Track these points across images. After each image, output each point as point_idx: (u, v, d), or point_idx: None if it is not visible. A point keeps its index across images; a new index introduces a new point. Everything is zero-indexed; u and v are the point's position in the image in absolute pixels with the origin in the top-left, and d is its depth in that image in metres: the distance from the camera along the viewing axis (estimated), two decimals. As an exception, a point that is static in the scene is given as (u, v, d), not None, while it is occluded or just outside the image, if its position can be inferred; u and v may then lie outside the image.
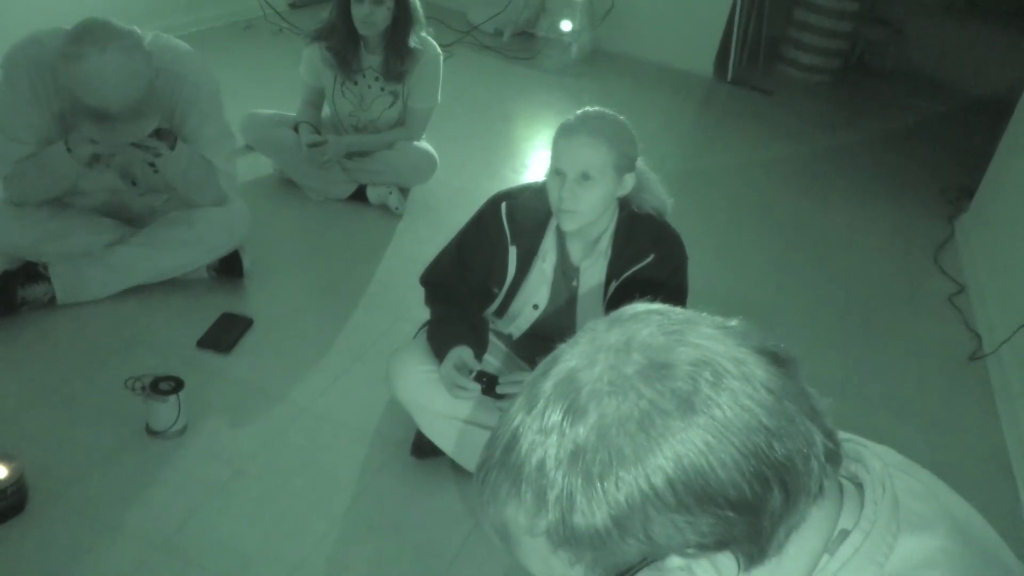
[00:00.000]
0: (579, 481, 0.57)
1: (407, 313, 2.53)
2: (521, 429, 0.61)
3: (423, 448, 1.99)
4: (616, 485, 0.56)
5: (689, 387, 0.57)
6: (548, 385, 0.62)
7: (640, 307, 0.67)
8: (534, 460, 0.59)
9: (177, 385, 1.94)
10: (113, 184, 2.48)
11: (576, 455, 0.57)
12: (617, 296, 1.84)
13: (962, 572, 0.60)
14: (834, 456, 0.63)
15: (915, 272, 3.52)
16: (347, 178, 3.33)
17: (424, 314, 2.02)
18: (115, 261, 2.40)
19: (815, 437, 0.60)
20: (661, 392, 0.57)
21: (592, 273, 1.86)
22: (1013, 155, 3.61)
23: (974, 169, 4.04)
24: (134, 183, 2.51)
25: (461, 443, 1.91)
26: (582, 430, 0.57)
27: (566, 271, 1.88)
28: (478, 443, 1.89)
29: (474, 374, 1.79)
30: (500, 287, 1.90)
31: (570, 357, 0.64)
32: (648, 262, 1.80)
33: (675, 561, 0.59)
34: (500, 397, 1.77)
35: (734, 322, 0.64)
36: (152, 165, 2.39)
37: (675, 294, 1.82)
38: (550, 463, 0.58)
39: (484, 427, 1.89)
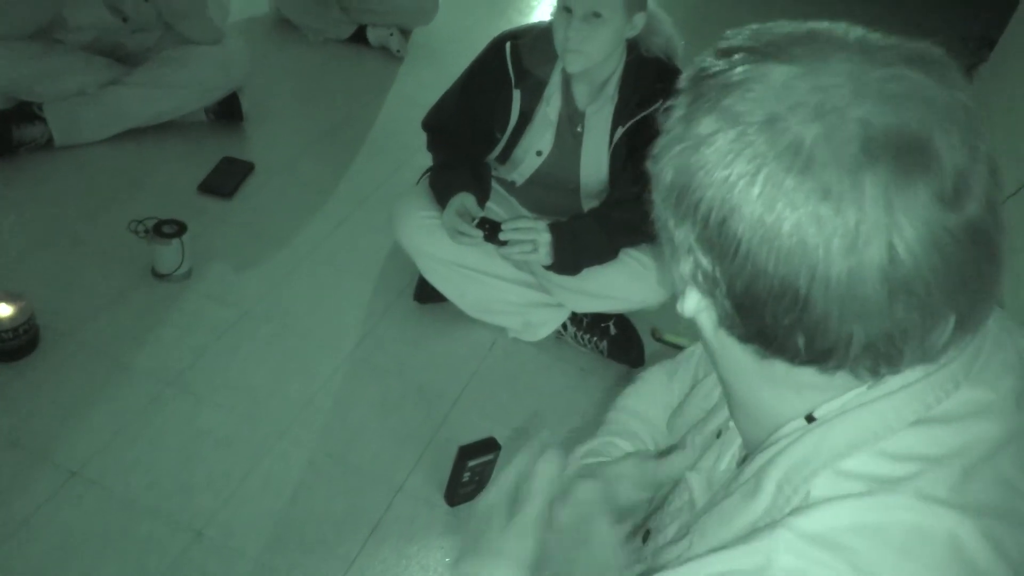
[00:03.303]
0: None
1: (409, 159, 2.50)
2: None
3: (426, 293, 2.02)
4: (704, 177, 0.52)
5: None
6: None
7: None
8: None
9: (180, 228, 1.95)
10: (103, 20, 2.40)
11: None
12: (623, 143, 1.80)
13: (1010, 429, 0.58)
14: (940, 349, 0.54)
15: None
16: (347, 18, 3.22)
17: (426, 159, 1.99)
18: (111, 101, 2.35)
19: (934, 325, 0.52)
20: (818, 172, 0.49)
21: (598, 119, 1.82)
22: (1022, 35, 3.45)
23: (999, 18, 3.87)
24: (125, 20, 2.42)
25: (463, 289, 1.93)
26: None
27: (571, 116, 1.84)
28: (480, 289, 1.91)
29: (476, 220, 1.79)
30: (503, 132, 1.87)
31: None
32: (656, 108, 1.76)
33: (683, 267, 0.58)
34: (502, 243, 1.77)
35: None
36: None
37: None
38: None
39: (486, 273, 1.90)
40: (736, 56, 0.54)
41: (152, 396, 1.70)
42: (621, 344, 1.96)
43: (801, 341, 0.53)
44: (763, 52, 0.53)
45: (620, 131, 1.80)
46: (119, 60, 2.47)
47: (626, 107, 1.78)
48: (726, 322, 0.58)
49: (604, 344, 1.96)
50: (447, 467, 1.56)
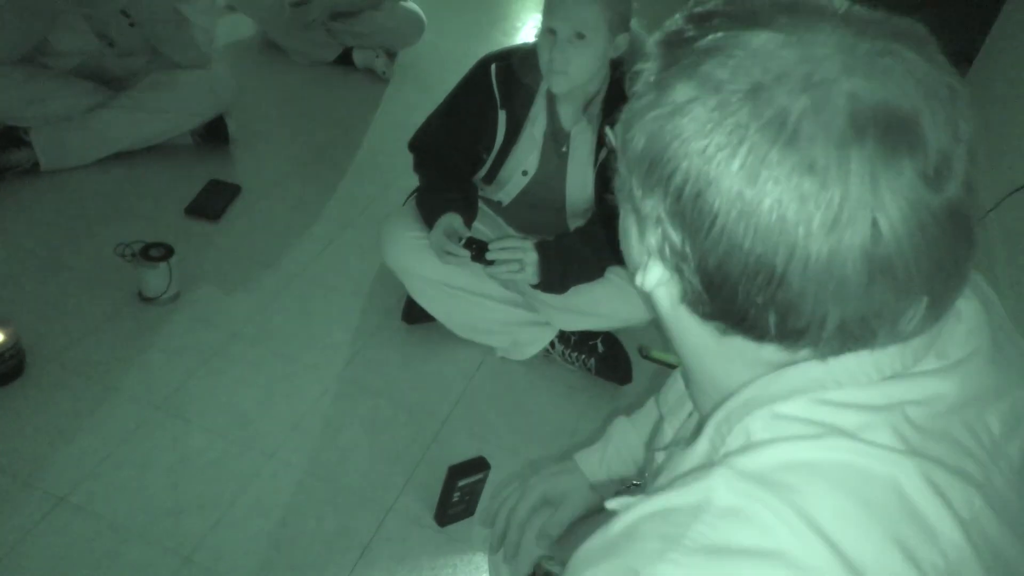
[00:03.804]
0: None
1: (396, 180, 2.51)
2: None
3: (414, 314, 2.02)
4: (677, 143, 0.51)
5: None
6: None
7: None
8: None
9: (167, 252, 1.95)
10: (90, 45, 2.40)
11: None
12: (608, 161, 1.82)
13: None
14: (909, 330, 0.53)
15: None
16: (332, 40, 3.24)
17: (413, 180, 2.00)
18: (97, 125, 2.35)
19: (904, 308, 0.51)
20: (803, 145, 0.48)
21: (583, 138, 1.84)
22: (1014, 23, 3.51)
23: (977, 35, 3.92)
24: (111, 44, 2.43)
25: (451, 308, 1.94)
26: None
27: (556, 136, 1.86)
28: (467, 308, 1.92)
29: (464, 240, 1.80)
30: (489, 152, 1.88)
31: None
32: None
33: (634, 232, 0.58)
34: (489, 263, 1.78)
35: None
36: (127, 16, 2.30)
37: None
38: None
39: (474, 293, 1.91)
40: (714, 20, 0.52)
41: (140, 420, 1.69)
42: (609, 362, 1.97)
43: (772, 320, 0.52)
44: (744, 18, 0.51)
45: (605, 150, 1.81)
46: (105, 84, 2.47)
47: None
48: (690, 299, 0.56)
49: (592, 362, 1.97)
50: (437, 487, 1.56)
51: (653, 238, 0.55)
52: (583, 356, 1.98)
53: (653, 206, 0.54)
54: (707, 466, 0.54)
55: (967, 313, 0.60)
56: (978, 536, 0.52)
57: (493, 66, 1.83)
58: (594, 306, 1.89)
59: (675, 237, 0.53)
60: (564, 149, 1.86)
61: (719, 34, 0.51)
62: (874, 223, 0.47)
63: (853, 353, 0.54)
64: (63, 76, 2.39)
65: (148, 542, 1.46)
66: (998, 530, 0.54)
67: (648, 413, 1.19)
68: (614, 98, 1.79)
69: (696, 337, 0.59)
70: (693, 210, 0.51)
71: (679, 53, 0.52)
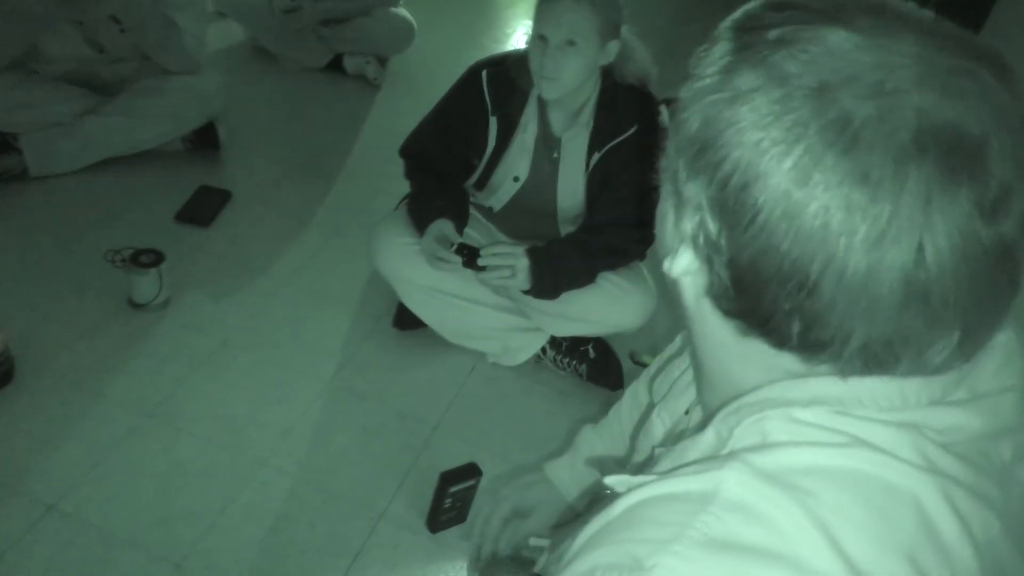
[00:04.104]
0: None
1: (387, 186, 2.51)
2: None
3: (405, 320, 2.02)
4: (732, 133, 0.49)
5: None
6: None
7: None
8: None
9: (158, 258, 1.94)
10: (80, 51, 2.40)
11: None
12: (598, 168, 1.83)
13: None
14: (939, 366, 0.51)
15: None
16: (323, 46, 3.24)
17: (404, 186, 2.00)
18: (87, 131, 2.35)
19: (934, 340, 0.49)
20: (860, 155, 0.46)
21: (574, 145, 1.84)
22: (1008, 18, 3.54)
23: (971, 28, 3.95)
24: (101, 51, 2.43)
25: (442, 314, 1.94)
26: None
27: (547, 142, 1.86)
28: (459, 314, 1.92)
29: (455, 247, 1.80)
30: (480, 159, 1.89)
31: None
32: (631, 134, 1.78)
33: (675, 221, 0.56)
34: (481, 269, 1.78)
35: None
36: (118, 22, 2.30)
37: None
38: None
39: (465, 299, 1.91)
40: (793, 12, 0.50)
41: (130, 427, 1.68)
42: (600, 367, 1.97)
43: (796, 328, 0.50)
44: (825, 13, 0.49)
45: (596, 156, 1.82)
46: (95, 90, 2.47)
47: (601, 133, 1.81)
48: (715, 292, 0.54)
49: (583, 367, 1.98)
50: (429, 493, 1.55)
51: (689, 224, 0.53)
52: (574, 362, 1.98)
53: (696, 191, 0.52)
54: (715, 458, 0.53)
55: (1002, 346, 0.58)
56: (991, 560, 0.51)
57: (484, 72, 1.83)
58: (585, 312, 1.89)
59: (712, 226, 0.51)
60: (555, 155, 1.86)
61: (796, 26, 0.49)
62: (920, 246, 0.45)
63: (877, 377, 0.52)
64: (53, 82, 2.38)
65: (139, 549, 1.45)
66: (1008, 553, 0.53)
67: (611, 424, 1.20)
68: (605, 104, 1.80)
69: (716, 332, 0.57)
70: (736, 202, 0.49)
71: (750, 39, 0.50)
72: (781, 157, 0.47)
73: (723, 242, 0.51)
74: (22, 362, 1.75)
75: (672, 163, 0.55)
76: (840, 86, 0.46)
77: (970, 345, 0.51)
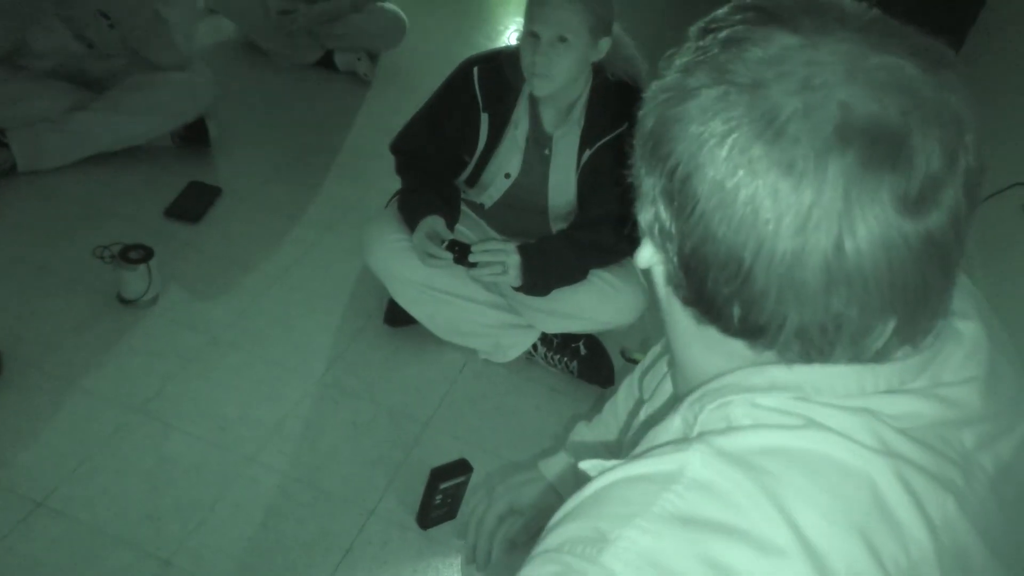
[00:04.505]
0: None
1: (378, 182, 2.50)
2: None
3: (396, 317, 2.02)
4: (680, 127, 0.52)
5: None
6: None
7: None
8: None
9: (147, 254, 1.93)
10: (68, 47, 2.38)
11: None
12: (589, 165, 1.83)
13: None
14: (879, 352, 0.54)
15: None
16: (314, 42, 3.23)
17: (395, 183, 2.00)
18: (75, 127, 2.33)
19: (875, 326, 0.51)
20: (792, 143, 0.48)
21: (565, 141, 1.84)
22: (987, 35, 3.56)
23: (952, 44, 3.97)
24: (90, 46, 2.41)
25: (433, 311, 1.93)
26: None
27: (539, 139, 1.86)
28: (450, 311, 1.92)
29: (446, 243, 1.80)
30: (471, 155, 1.88)
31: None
32: (622, 130, 1.78)
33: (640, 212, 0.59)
34: (472, 265, 1.78)
35: None
36: (106, 17, 2.28)
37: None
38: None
39: (456, 295, 1.91)
40: (748, 14, 0.53)
41: (118, 424, 1.67)
42: (591, 364, 1.97)
43: (736, 313, 0.53)
44: (773, 14, 0.52)
45: (587, 153, 1.82)
46: (84, 85, 2.45)
47: (592, 130, 1.81)
48: (674, 281, 0.57)
49: (574, 364, 1.98)
50: (419, 489, 1.55)
51: (648, 215, 0.57)
52: (566, 358, 1.98)
53: (651, 185, 0.55)
54: (682, 441, 0.55)
55: (968, 337, 0.60)
56: (947, 539, 0.53)
57: (476, 69, 1.83)
58: (577, 309, 1.89)
59: (664, 217, 0.54)
60: (546, 152, 1.86)
61: (745, 27, 0.52)
62: (839, 234, 0.47)
63: (819, 365, 0.54)
64: (41, 77, 2.37)
65: (127, 546, 1.45)
66: (969, 537, 0.54)
67: (606, 419, 1.21)
68: (596, 101, 1.80)
69: (681, 321, 0.60)
70: (681, 192, 0.52)
71: (706, 42, 0.53)
72: (716, 148, 0.49)
73: (673, 231, 0.54)
74: (10, 358, 1.74)
75: (637, 161, 0.58)
76: (772, 82, 0.49)
77: (908, 333, 0.53)
